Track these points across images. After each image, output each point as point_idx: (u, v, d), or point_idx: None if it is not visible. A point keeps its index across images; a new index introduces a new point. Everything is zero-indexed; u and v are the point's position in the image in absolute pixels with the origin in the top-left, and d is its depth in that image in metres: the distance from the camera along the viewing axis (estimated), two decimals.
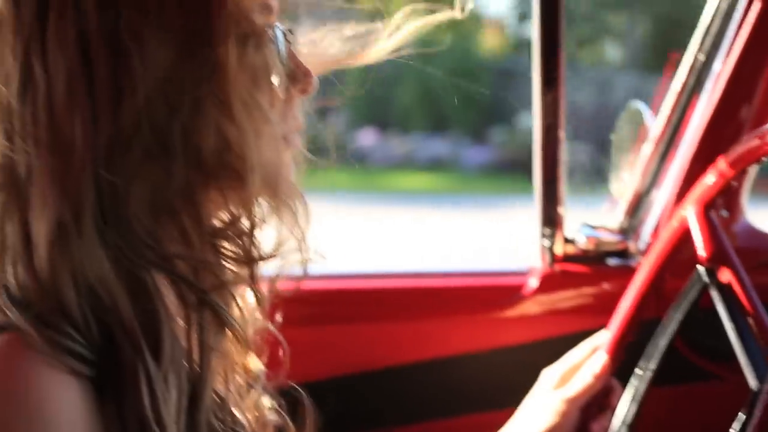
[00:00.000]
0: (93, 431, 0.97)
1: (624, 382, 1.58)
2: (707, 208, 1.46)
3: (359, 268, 2.08)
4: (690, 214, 1.47)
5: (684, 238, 1.50)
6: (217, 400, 1.11)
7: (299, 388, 1.24)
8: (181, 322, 1.05)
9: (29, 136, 1.00)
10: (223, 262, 1.08)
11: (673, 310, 1.49)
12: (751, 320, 1.36)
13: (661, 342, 1.51)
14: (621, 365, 1.61)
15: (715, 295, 1.41)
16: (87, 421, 0.97)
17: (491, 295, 1.97)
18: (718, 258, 1.43)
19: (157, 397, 0.99)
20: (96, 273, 0.99)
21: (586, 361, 1.61)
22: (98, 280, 0.99)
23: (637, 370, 1.53)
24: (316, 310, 1.88)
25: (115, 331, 0.99)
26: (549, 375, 1.63)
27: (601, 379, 1.58)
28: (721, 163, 1.43)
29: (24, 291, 0.99)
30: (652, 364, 1.51)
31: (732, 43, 1.85)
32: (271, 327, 1.26)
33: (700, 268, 1.44)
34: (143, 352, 0.99)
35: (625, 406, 1.53)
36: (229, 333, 1.09)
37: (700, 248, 1.44)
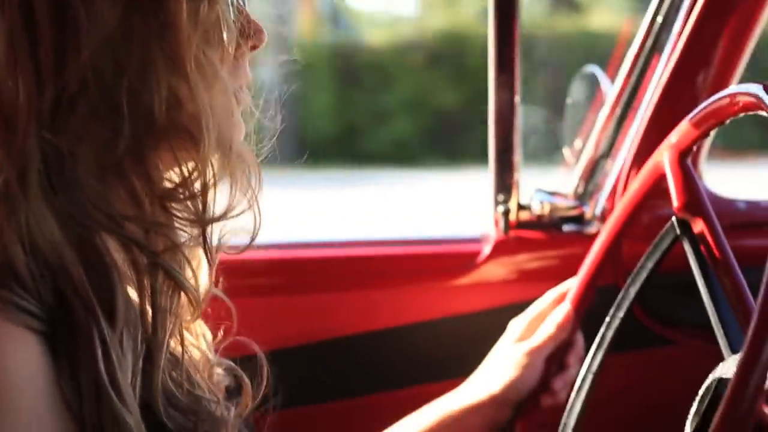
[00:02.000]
0: (51, 387, 0.95)
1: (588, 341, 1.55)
2: (683, 155, 1.42)
3: (311, 237, 2.05)
4: (666, 159, 1.43)
5: (650, 193, 1.47)
6: (172, 359, 1.09)
7: (256, 354, 1.22)
8: (133, 285, 1.03)
9: None
10: (175, 224, 1.05)
11: (641, 263, 1.46)
12: (721, 273, 1.32)
13: (631, 290, 1.48)
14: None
15: (687, 247, 1.38)
16: (46, 376, 0.95)
17: (445, 262, 1.94)
18: (692, 208, 1.39)
19: (111, 359, 0.97)
20: (44, 235, 0.97)
21: (551, 311, 1.60)
22: (47, 243, 0.97)
23: (607, 318, 1.50)
24: (266, 280, 1.85)
25: (67, 292, 0.97)
26: (514, 327, 1.62)
27: (564, 330, 1.58)
28: (694, 117, 1.40)
29: None
30: (621, 312, 1.48)
31: (691, 5, 1.82)
32: (220, 293, 1.23)
33: (674, 219, 1.40)
34: (96, 314, 0.97)
35: (591, 354, 1.51)
36: (182, 295, 1.07)
37: (675, 197, 1.40)
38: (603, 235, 1.60)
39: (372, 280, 1.94)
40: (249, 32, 1.11)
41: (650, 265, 1.45)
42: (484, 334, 1.84)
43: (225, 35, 1.06)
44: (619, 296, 1.50)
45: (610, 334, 1.49)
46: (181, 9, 1.00)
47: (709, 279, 1.33)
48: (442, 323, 1.91)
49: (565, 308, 1.59)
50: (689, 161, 1.43)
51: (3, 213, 0.96)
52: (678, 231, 1.40)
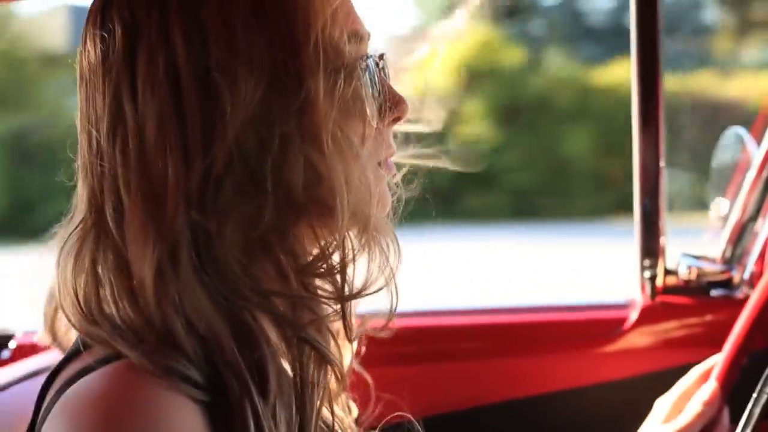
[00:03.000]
0: None
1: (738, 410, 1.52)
2: None
3: (460, 304, 2.05)
4: None
5: None
6: (324, 428, 1.11)
7: (413, 423, 1.22)
8: (286, 358, 1.05)
9: (120, 178, 1.00)
10: (318, 299, 1.07)
11: None
12: None
13: None
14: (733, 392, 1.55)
15: None
16: None
17: (593, 329, 1.93)
18: None
19: (264, 430, 0.98)
20: (197, 310, 0.99)
21: (696, 389, 1.57)
22: (200, 317, 0.99)
23: (754, 395, 1.47)
24: (414, 348, 1.86)
25: (221, 367, 0.98)
26: (660, 405, 1.59)
27: (711, 407, 1.54)
28: None
29: (130, 325, 0.99)
30: (763, 397, 1.45)
31: None
32: (357, 366, 1.24)
33: None
34: (249, 386, 0.98)
35: (742, 424, 1.48)
36: (329, 368, 1.08)
37: None
38: (752, 300, 1.58)
39: (519, 347, 1.94)
40: (391, 104, 1.12)
41: None
42: (634, 400, 1.82)
43: (367, 110, 1.07)
44: (765, 375, 1.47)
45: (757, 409, 1.46)
46: (319, 87, 1.01)
47: None
48: (590, 390, 1.90)
49: (712, 385, 1.56)
50: None
51: (159, 290, 0.98)
52: None
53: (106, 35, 1.02)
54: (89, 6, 1.06)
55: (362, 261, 1.07)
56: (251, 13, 1.01)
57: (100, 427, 0.92)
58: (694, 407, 1.55)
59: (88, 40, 1.04)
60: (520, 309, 2.02)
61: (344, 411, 1.22)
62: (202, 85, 1.00)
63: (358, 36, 1.09)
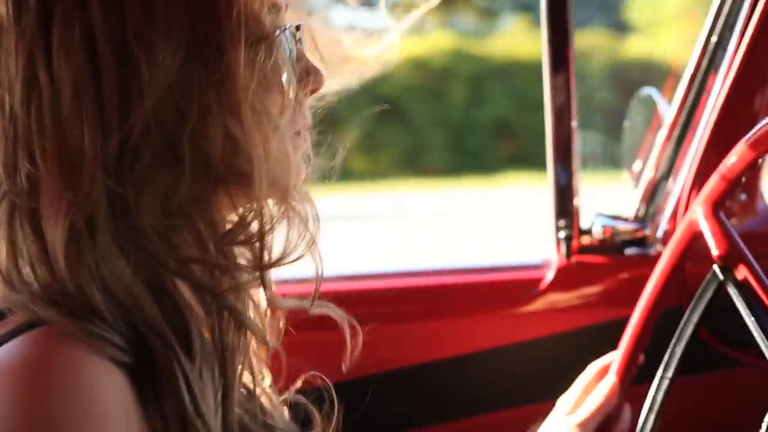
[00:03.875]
0: (139, 420, 0.97)
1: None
2: (716, 208, 1.43)
3: (371, 268, 2.05)
4: (699, 215, 1.44)
5: (696, 237, 1.47)
6: (246, 394, 1.12)
7: (324, 387, 1.23)
8: (204, 324, 1.05)
9: (35, 145, 0.99)
10: (237, 265, 1.07)
11: (692, 307, 1.46)
12: None
13: (677, 349, 1.47)
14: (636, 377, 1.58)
15: (732, 291, 1.39)
16: (135, 409, 0.97)
17: (508, 290, 1.95)
18: (732, 257, 1.40)
19: (194, 391, 0.99)
20: (116, 277, 0.99)
21: (596, 384, 1.59)
22: (119, 284, 0.99)
23: (655, 380, 1.49)
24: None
25: (145, 331, 0.99)
26: (563, 402, 1.61)
27: (611, 401, 1.56)
28: (729, 160, 1.40)
29: (49, 291, 0.99)
30: (669, 372, 1.48)
31: (745, 24, 1.82)
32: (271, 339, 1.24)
33: (716, 267, 1.41)
34: (176, 349, 0.99)
35: (643, 417, 1.50)
36: (248, 333, 1.08)
37: (713, 249, 1.41)
38: (664, 257, 1.59)
39: (436, 309, 1.95)
40: (307, 75, 1.12)
41: (695, 318, 1.45)
42: (552, 359, 1.84)
43: (284, 82, 1.07)
44: (673, 341, 1.49)
45: (660, 396, 1.49)
46: (239, 58, 1.01)
47: (758, 319, 1.35)
48: (507, 351, 1.91)
49: (611, 380, 1.58)
50: (722, 213, 1.43)
51: (74, 257, 0.98)
52: (721, 278, 1.41)
53: None
54: None
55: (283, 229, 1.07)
56: None
57: (23, 394, 0.91)
58: (593, 401, 1.57)
59: None
60: (435, 271, 2.03)
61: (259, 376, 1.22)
62: (119, 53, 0.98)
63: (277, 6, 1.08)
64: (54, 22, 0.98)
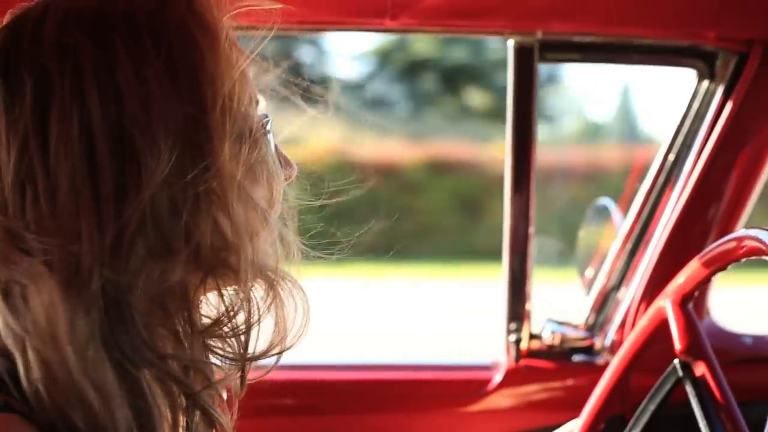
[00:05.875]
0: None
1: None
2: (685, 301, 1.45)
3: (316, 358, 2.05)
4: (668, 305, 1.46)
5: (657, 331, 1.49)
6: None
7: None
8: (167, 424, 1.03)
9: (30, 233, 0.97)
10: (215, 361, 1.05)
11: (645, 404, 1.47)
12: (723, 416, 1.35)
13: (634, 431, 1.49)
14: None
15: (689, 389, 1.40)
16: None
17: (455, 388, 1.95)
18: (694, 351, 1.42)
19: None
20: (103, 376, 0.96)
21: None
22: (104, 383, 0.96)
23: None
24: (276, 401, 1.86)
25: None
26: None
27: None
28: (700, 259, 1.43)
29: (33, 384, 0.95)
30: None
31: (703, 144, 1.86)
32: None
33: (676, 362, 1.43)
34: None
35: None
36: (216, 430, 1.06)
37: (677, 341, 1.43)
38: (611, 367, 1.62)
39: (383, 404, 1.95)
40: (282, 164, 1.12)
41: (652, 407, 1.47)
42: None
43: (271, 172, 1.07)
44: None
45: None
46: (224, 151, 1.00)
47: (710, 421, 1.36)
48: None
49: None
50: (690, 306, 1.46)
51: (74, 359, 0.95)
52: (680, 373, 1.42)
53: (11, 85, 0.99)
54: None
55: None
56: (165, 75, 0.99)
57: None
58: None
59: None
60: (385, 366, 2.03)
61: None
62: (117, 145, 0.97)
63: (255, 99, 1.09)
64: (51, 118, 0.97)
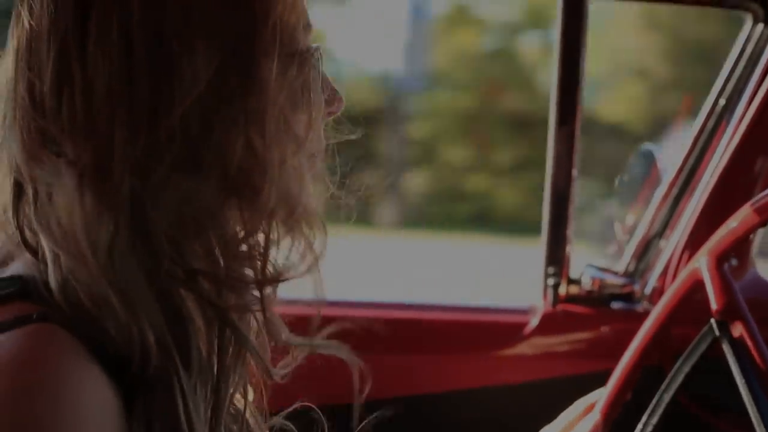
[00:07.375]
0: (124, 430, 0.94)
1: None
2: (721, 261, 1.42)
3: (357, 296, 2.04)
4: (703, 266, 1.43)
5: (694, 289, 1.46)
6: (233, 413, 1.10)
7: (314, 411, 1.22)
8: (203, 339, 1.03)
9: (65, 135, 0.96)
10: (244, 285, 1.04)
11: (680, 363, 1.45)
12: (762, 376, 1.32)
13: (665, 395, 1.46)
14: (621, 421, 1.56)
15: (726, 348, 1.37)
16: (120, 418, 0.94)
17: (493, 331, 1.94)
18: (730, 312, 1.39)
19: (189, 407, 0.97)
20: (128, 280, 0.96)
21: (580, 419, 1.58)
22: (130, 288, 0.96)
23: (639, 425, 1.48)
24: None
25: (147, 340, 0.96)
26: None
27: None
28: (739, 215, 1.39)
29: (65, 290, 0.96)
30: (654, 419, 1.47)
31: (755, 90, 1.82)
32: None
33: (713, 322, 1.40)
34: (176, 362, 0.97)
35: None
36: (247, 355, 1.06)
37: (713, 301, 1.40)
38: (652, 316, 1.59)
39: (418, 344, 1.94)
40: (328, 98, 1.10)
41: (686, 369, 1.44)
42: (525, 406, 1.83)
43: (312, 101, 1.05)
44: (656, 398, 1.48)
45: (654, 419, 1.47)
46: (271, 70, 0.99)
47: (749, 380, 1.33)
48: (483, 393, 1.90)
49: (594, 418, 1.56)
50: (726, 267, 1.43)
51: (100, 260, 0.95)
52: (717, 333, 1.40)
53: None
54: None
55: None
56: None
57: (6, 392, 0.89)
58: None
59: None
60: (423, 306, 2.02)
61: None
62: (155, 55, 0.96)
63: (309, 26, 1.07)
64: (92, 18, 0.96)
